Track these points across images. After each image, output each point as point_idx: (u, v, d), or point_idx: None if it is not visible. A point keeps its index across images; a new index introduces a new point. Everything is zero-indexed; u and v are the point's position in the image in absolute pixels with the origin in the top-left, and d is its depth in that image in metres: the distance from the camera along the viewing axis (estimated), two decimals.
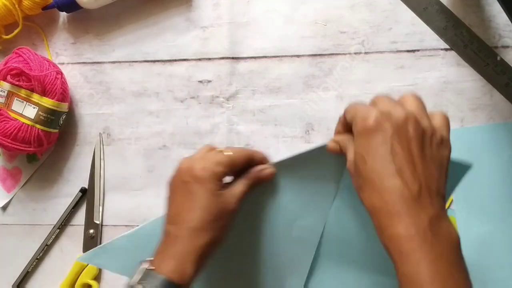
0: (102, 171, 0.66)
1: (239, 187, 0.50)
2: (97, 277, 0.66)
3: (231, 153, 0.50)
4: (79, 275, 0.65)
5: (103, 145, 0.66)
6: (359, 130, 0.42)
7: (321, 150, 0.49)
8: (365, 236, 0.53)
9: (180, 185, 0.49)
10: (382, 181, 0.40)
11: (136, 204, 0.66)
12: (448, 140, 0.43)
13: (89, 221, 0.66)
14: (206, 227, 0.47)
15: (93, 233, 0.65)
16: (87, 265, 0.65)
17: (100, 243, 0.65)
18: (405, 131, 0.41)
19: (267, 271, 0.56)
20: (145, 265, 0.46)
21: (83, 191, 0.66)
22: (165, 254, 0.47)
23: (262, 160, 0.52)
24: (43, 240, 0.66)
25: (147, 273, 0.45)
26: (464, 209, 0.60)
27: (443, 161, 0.42)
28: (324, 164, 0.51)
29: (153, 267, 0.46)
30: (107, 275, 0.66)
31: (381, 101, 0.43)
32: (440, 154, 0.42)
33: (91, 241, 0.65)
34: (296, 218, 0.55)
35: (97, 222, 0.65)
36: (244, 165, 0.51)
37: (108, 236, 0.66)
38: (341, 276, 0.56)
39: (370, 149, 0.41)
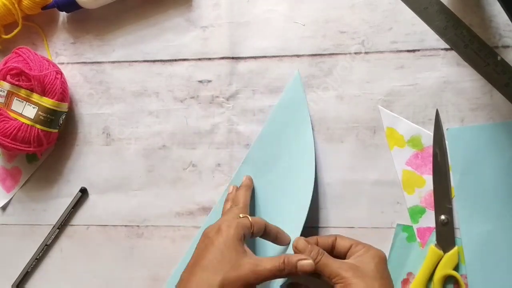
0: None
1: (267, 264, 0.48)
2: (456, 268, 0.58)
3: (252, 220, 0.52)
4: (436, 265, 0.58)
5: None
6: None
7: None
8: None
9: (204, 239, 0.51)
10: None
11: (136, 204, 0.65)
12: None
13: (440, 205, 0.59)
14: (216, 268, 0.47)
15: (446, 218, 0.59)
16: (444, 254, 0.58)
17: (454, 230, 0.59)
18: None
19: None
20: None
21: (83, 191, 0.66)
22: None
23: (277, 234, 0.54)
24: (42, 240, 0.66)
25: None
26: (466, 208, 0.60)
27: None
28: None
29: None
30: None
31: None
32: None
33: (444, 228, 0.59)
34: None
35: (449, 206, 0.59)
36: (259, 234, 0.53)
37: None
38: None
39: None
